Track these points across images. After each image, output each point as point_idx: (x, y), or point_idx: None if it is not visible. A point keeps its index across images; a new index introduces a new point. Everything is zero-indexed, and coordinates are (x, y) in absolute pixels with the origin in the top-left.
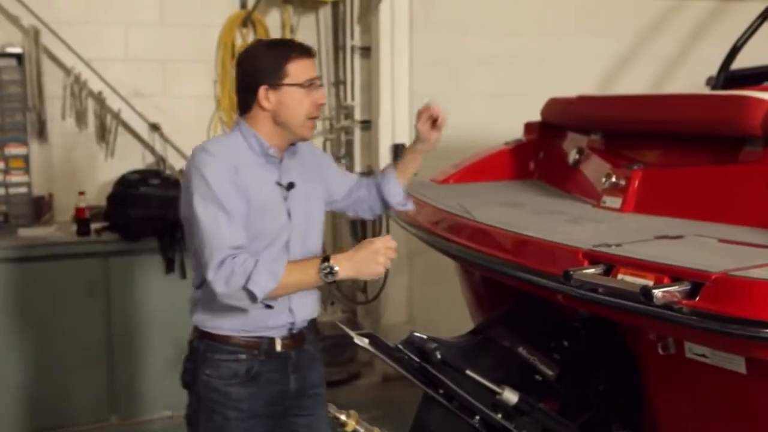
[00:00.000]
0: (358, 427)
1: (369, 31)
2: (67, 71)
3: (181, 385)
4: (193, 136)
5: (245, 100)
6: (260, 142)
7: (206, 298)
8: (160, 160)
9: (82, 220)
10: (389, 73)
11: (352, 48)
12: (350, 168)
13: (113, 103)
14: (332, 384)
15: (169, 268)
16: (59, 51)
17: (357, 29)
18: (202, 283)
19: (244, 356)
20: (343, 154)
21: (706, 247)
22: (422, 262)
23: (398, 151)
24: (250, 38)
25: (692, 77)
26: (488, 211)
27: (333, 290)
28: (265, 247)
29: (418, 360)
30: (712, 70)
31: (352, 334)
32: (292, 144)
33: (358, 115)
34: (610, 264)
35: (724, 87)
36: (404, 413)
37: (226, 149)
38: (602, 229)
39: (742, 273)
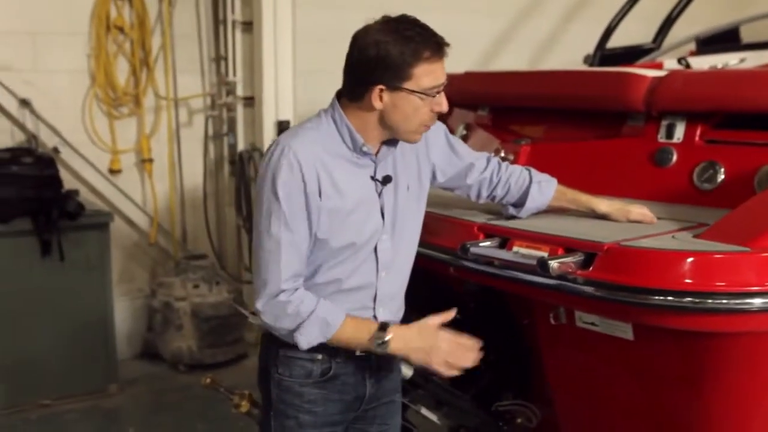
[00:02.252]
0: (253, 409)
1: (251, 5)
2: None
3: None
4: (66, 112)
5: (354, 89)
6: (354, 138)
7: None
8: (32, 137)
9: None
10: (272, 48)
11: (233, 22)
12: (234, 145)
13: None
14: (219, 365)
15: (46, 250)
16: None
17: (238, 3)
18: None
19: (320, 356)
20: (225, 131)
21: (594, 218)
22: None
23: (282, 127)
24: (126, 11)
25: (567, 56)
26: None
27: (218, 269)
28: (351, 254)
29: None
30: (585, 49)
31: (246, 313)
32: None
33: (240, 92)
34: (506, 237)
35: (600, 65)
36: None
37: (313, 145)
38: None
39: (632, 243)
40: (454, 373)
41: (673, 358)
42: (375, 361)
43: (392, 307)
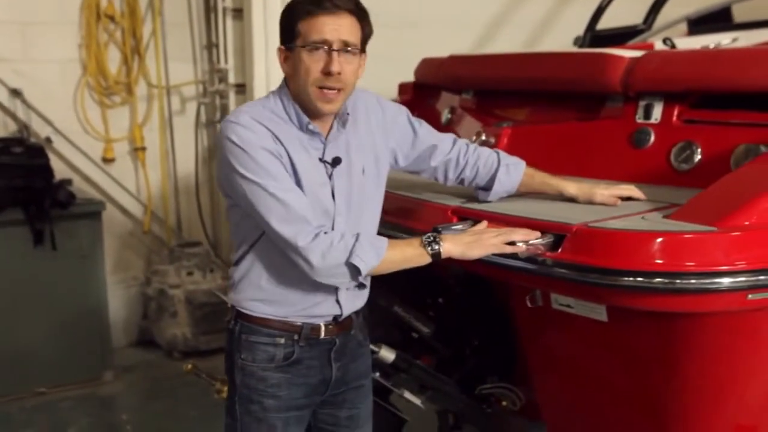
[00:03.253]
0: None
1: None
2: None
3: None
4: (58, 102)
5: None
6: (299, 116)
7: (245, 277)
8: (23, 127)
9: None
10: (263, 35)
11: (224, 9)
12: None
13: None
14: (214, 351)
15: (38, 240)
16: None
17: None
18: (241, 259)
19: (282, 340)
20: (218, 119)
21: (569, 200)
22: None
23: None
24: (116, 0)
25: (563, 38)
26: None
27: (212, 257)
28: None
29: None
30: (581, 31)
31: (226, 299)
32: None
33: (232, 79)
34: (478, 220)
35: (591, 46)
36: None
37: (261, 118)
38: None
39: (600, 224)
40: (511, 249)
41: (647, 339)
42: (340, 343)
43: (355, 291)
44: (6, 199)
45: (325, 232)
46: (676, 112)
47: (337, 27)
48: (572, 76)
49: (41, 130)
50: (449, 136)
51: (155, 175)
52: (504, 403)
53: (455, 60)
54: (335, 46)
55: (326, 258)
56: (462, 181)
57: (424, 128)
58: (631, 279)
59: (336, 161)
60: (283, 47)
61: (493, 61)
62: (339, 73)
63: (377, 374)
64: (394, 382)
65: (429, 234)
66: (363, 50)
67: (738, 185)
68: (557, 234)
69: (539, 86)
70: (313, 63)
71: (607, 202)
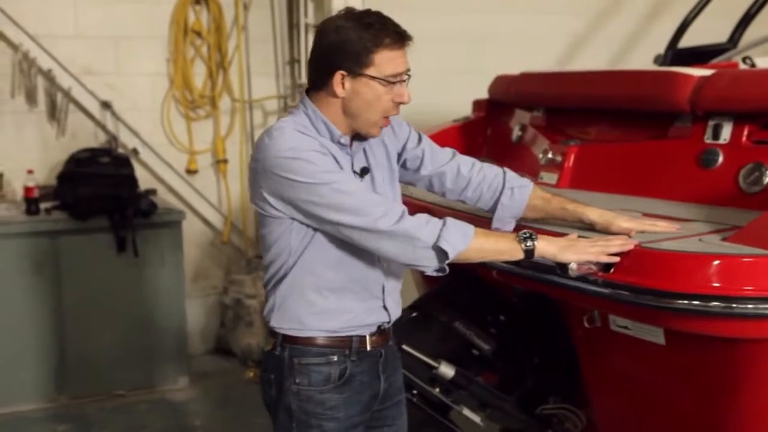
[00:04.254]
0: None
1: (323, 9)
2: (14, 48)
3: (265, 405)
4: (145, 114)
5: (318, 78)
6: (330, 130)
7: (289, 295)
8: (112, 138)
9: (30, 199)
10: None
11: (306, 26)
12: None
13: (63, 80)
14: None
15: (121, 246)
16: (6, 27)
17: (311, 6)
18: (283, 278)
19: (335, 357)
20: None
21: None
22: None
23: None
24: (203, 15)
25: (648, 56)
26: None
27: None
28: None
29: None
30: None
31: None
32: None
33: None
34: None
35: (672, 65)
36: None
37: (303, 130)
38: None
39: (654, 245)
40: (608, 259)
41: (706, 364)
42: (384, 355)
43: (396, 297)
44: (93, 206)
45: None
46: (745, 133)
47: (405, 59)
48: (641, 95)
49: (129, 141)
50: (449, 149)
51: (236, 187)
52: (566, 424)
53: (526, 77)
54: (406, 78)
55: (413, 240)
56: (467, 201)
57: (423, 138)
58: (686, 302)
59: (364, 171)
60: (345, 72)
61: (563, 78)
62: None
63: (437, 390)
64: (453, 398)
65: (525, 230)
66: None
67: None
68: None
69: (608, 104)
70: (385, 94)
71: (624, 234)
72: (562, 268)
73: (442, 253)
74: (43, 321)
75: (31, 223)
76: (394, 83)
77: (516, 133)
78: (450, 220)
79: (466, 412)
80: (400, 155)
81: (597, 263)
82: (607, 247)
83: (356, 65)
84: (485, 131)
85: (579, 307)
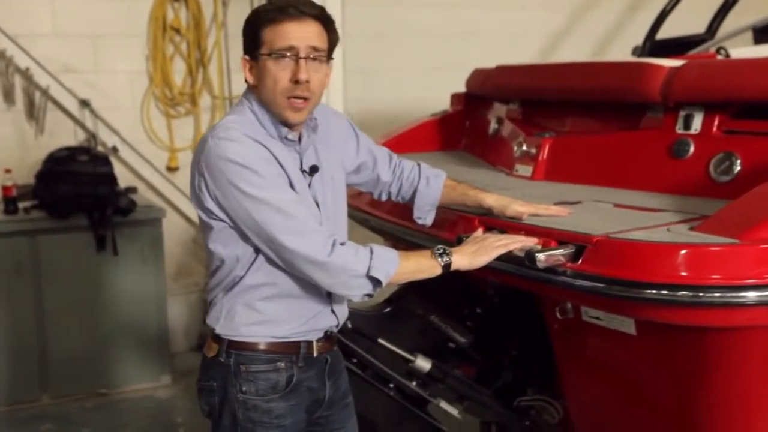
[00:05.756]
0: None
1: None
2: None
3: (204, 413)
4: (125, 112)
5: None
6: (277, 127)
7: (237, 303)
8: (91, 136)
9: (9, 198)
10: None
11: None
12: None
13: (41, 79)
14: None
15: (101, 245)
16: None
17: None
18: (232, 285)
19: (282, 364)
20: None
21: (600, 211)
22: None
23: None
24: (182, 12)
25: (629, 48)
26: None
27: None
28: None
29: None
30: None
31: None
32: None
33: None
34: (503, 229)
35: (650, 56)
36: None
37: (250, 133)
38: (507, 196)
39: (622, 235)
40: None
41: (676, 354)
42: (330, 360)
43: (342, 300)
44: (71, 205)
45: (340, 243)
46: (716, 123)
47: (304, 33)
48: (613, 86)
49: (108, 139)
50: (385, 149)
51: None
52: (543, 416)
53: (502, 70)
54: (302, 53)
55: (346, 271)
56: (389, 195)
57: (362, 137)
58: (654, 292)
59: (313, 169)
60: (247, 57)
61: (538, 71)
62: (307, 81)
63: (413, 383)
64: (431, 391)
65: (439, 246)
66: (330, 58)
67: (764, 198)
68: (578, 244)
69: (581, 96)
70: (280, 72)
71: (518, 217)
72: (531, 259)
73: (375, 281)
74: (23, 320)
75: (10, 223)
76: (283, 58)
77: (492, 126)
78: (376, 247)
79: (444, 405)
80: (346, 161)
81: (565, 254)
82: (512, 242)
83: (252, 47)
84: (463, 125)
85: (551, 298)
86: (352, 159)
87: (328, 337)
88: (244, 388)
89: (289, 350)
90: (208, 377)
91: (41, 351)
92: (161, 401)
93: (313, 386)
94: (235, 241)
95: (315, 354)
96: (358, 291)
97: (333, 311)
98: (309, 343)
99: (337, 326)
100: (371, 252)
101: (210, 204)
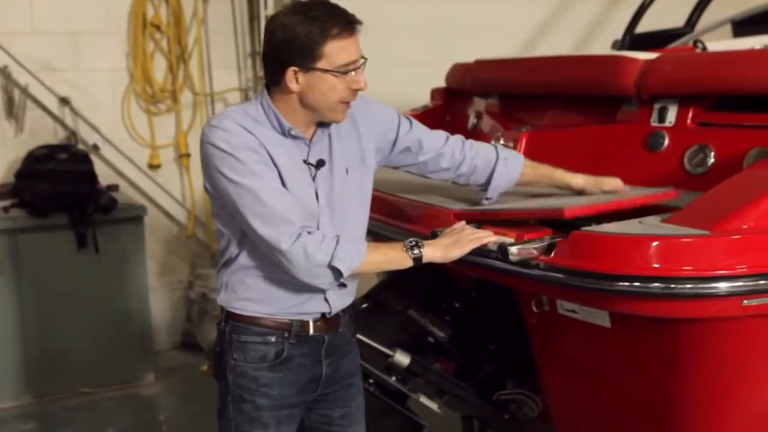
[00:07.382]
0: None
1: (282, 1)
2: None
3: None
4: (105, 109)
5: (271, 76)
6: (281, 123)
7: (233, 277)
8: (71, 134)
9: None
10: None
11: (266, 17)
12: None
13: (20, 77)
14: None
15: (81, 243)
16: None
17: None
18: (229, 261)
19: (273, 338)
20: None
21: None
22: None
23: None
24: (162, 9)
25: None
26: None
27: None
28: None
29: None
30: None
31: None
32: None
33: None
34: (477, 223)
35: (630, 50)
36: None
37: (243, 122)
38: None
39: (595, 228)
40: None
41: (650, 346)
42: (329, 340)
43: (343, 291)
44: (51, 203)
45: (309, 232)
46: (690, 115)
47: (357, 46)
48: (589, 80)
49: (89, 137)
50: (441, 133)
51: (199, 181)
52: (523, 409)
53: (480, 65)
54: (360, 64)
55: (308, 260)
56: (459, 178)
57: (414, 123)
58: (627, 284)
59: (320, 163)
60: (296, 68)
61: (515, 65)
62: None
63: (393, 378)
64: (410, 386)
65: (411, 239)
66: None
67: (735, 190)
68: (552, 238)
69: (557, 90)
70: (340, 83)
71: (618, 188)
72: (503, 252)
73: (336, 271)
74: (4, 320)
75: None
76: (347, 72)
77: (472, 120)
78: (344, 238)
79: (423, 399)
80: (395, 143)
81: (538, 247)
82: (485, 236)
83: (307, 60)
84: (444, 119)
85: (528, 292)
86: (388, 144)
87: (327, 319)
88: (235, 356)
89: (281, 327)
90: (216, 344)
91: (23, 350)
92: (145, 400)
93: (306, 363)
94: (231, 220)
95: (311, 333)
96: (323, 280)
97: (326, 299)
98: (303, 322)
99: (330, 313)
100: (337, 243)
101: (207, 185)
